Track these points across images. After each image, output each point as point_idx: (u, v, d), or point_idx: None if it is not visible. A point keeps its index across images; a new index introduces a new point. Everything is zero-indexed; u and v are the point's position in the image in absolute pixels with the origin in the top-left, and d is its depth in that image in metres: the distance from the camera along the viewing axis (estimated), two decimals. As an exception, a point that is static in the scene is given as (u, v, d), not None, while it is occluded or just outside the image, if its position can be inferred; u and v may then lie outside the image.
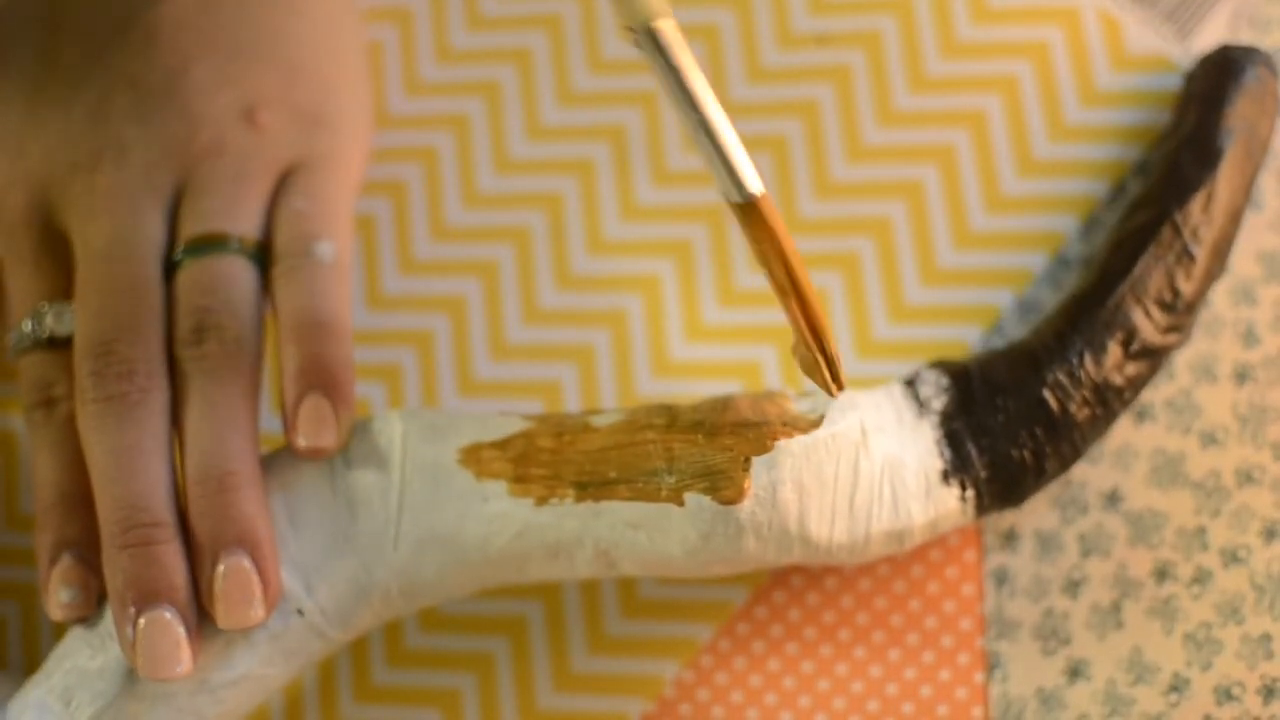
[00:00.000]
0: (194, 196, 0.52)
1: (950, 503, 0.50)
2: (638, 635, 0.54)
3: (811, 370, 0.46)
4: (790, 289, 0.45)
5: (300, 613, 0.49)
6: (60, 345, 0.52)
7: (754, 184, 0.44)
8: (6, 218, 0.54)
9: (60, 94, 0.54)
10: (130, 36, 0.53)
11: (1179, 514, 0.53)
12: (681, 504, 0.48)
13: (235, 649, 0.49)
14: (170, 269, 0.52)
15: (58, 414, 0.51)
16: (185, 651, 0.48)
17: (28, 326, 0.52)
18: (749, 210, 0.44)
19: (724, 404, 0.49)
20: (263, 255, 0.52)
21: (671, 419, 0.49)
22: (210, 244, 0.51)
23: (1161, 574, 0.52)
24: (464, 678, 0.55)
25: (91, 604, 0.50)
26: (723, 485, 0.48)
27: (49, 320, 0.52)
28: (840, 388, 0.46)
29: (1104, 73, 0.57)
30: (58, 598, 0.50)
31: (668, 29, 0.43)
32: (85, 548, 0.50)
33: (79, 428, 0.50)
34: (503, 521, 0.49)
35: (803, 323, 0.45)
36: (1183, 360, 0.54)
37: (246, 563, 0.48)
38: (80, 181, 0.52)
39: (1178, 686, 0.52)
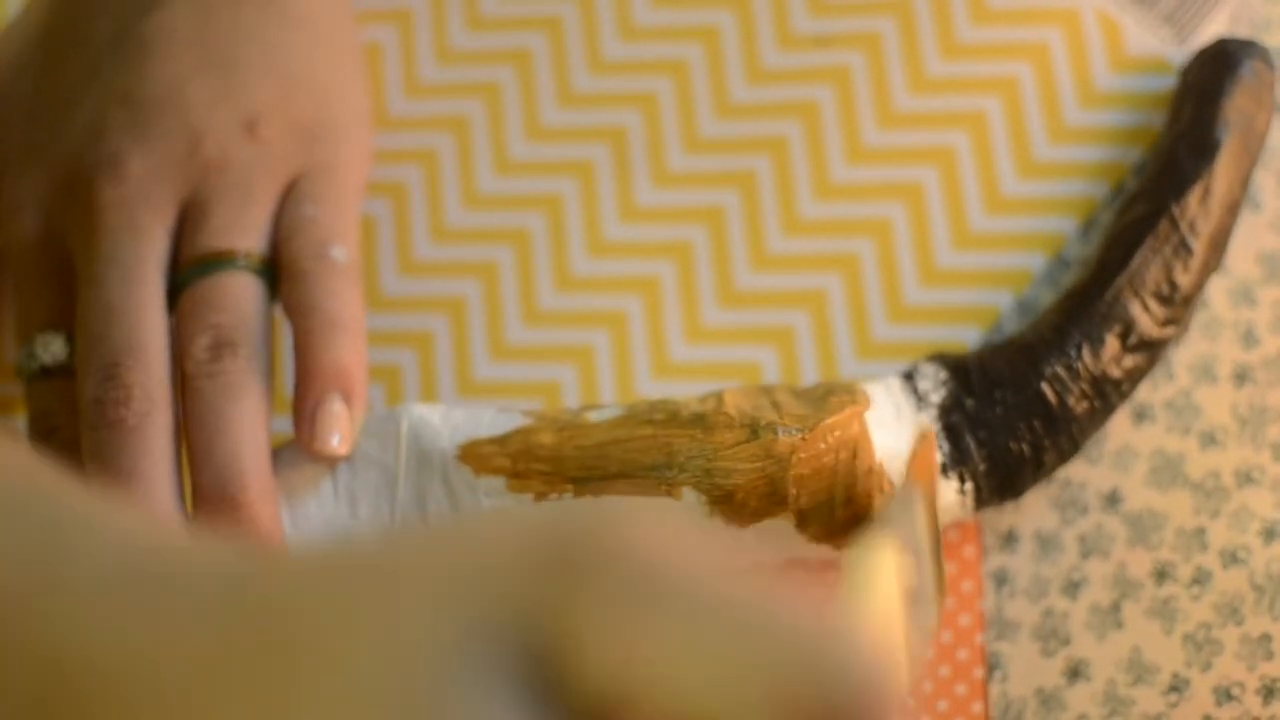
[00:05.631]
0: (198, 212, 0.52)
1: (949, 495, 0.50)
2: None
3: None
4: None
5: (300, 609, 0.49)
6: (56, 375, 0.52)
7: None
8: (13, 243, 0.54)
9: (58, 113, 0.53)
10: (124, 50, 0.53)
11: (1178, 515, 0.53)
12: (680, 499, 0.48)
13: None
14: (175, 284, 0.52)
15: (53, 444, 0.51)
16: None
17: (22, 358, 0.52)
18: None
19: (722, 399, 0.49)
20: (269, 269, 0.52)
21: (670, 414, 0.49)
22: (218, 261, 0.51)
23: (1161, 574, 0.52)
24: (463, 677, 0.55)
25: None
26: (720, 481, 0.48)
27: (39, 351, 0.52)
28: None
29: (1103, 74, 0.57)
30: None
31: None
32: None
33: (84, 456, 0.49)
34: (502, 517, 0.49)
35: None
36: (1182, 361, 0.54)
37: None
38: (78, 200, 0.52)
39: (1177, 687, 0.51)
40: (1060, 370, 0.51)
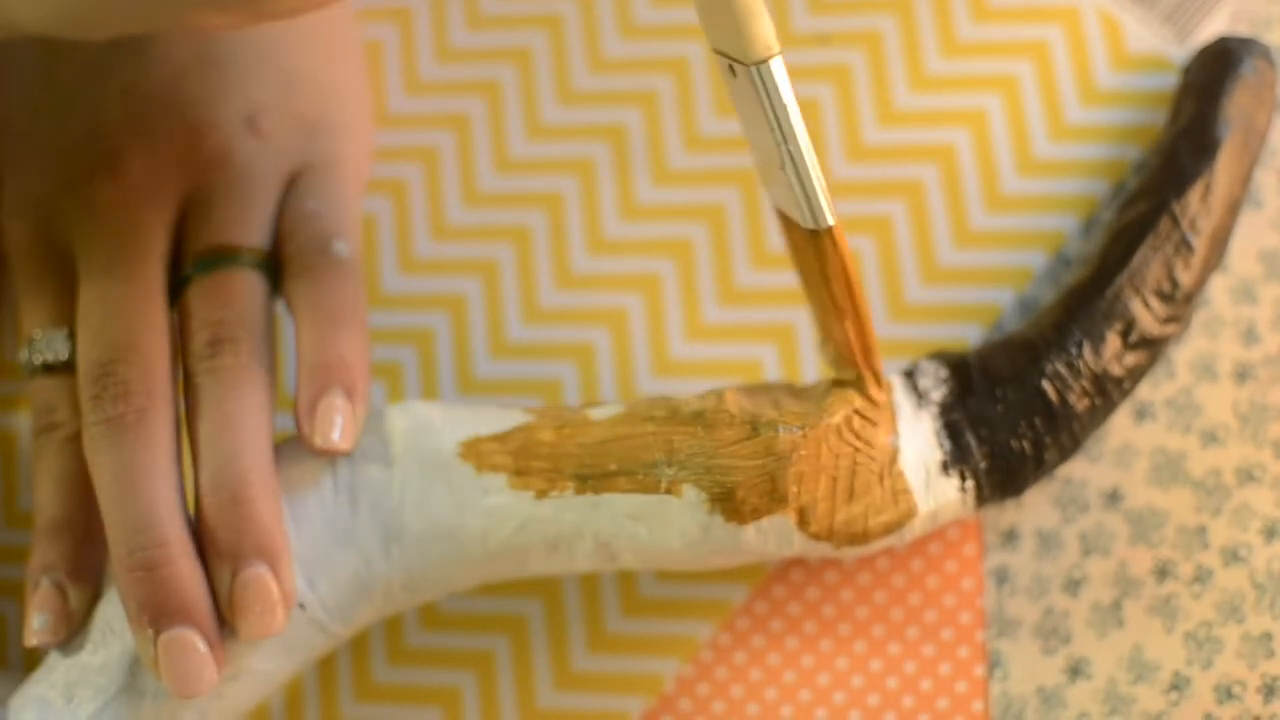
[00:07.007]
0: (201, 208, 0.52)
1: (950, 493, 0.50)
2: (638, 633, 0.54)
3: (851, 376, 0.50)
4: (850, 310, 0.49)
5: (302, 607, 0.49)
6: (59, 370, 0.52)
7: (828, 216, 0.47)
8: (13, 242, 0.54)
9: (57, 111, 0.54)
10: (125, 48, 0.53)
11: (1179, 513, 0.53)
12: (681, 496, 0.48)
13: (237, 645, 0.49)
14: (177, 281, 0.52)
15: (55, 439, 0.51)
16: (210, 667, 0.47)
17: (24, 355, 0.52)
18: (821, 238, 0.47)
19: (722, 397, 0.49)
20: (271, 265, 0.52)
21: (671, 411, 0.49)
22: (220, 257, 0.51)
23: (1162, 573, 0.52)
24: (464, 676, 0.55)
25: (64, 630, 0.50)
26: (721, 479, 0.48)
27: (42, 347, 0.52)
28: (884, 391, 0.50)
29: (1104, 72, 0.57)
30: (30, 623, 0.49)
31: (778, 67, 0.45)
32: (67, 572, 0.50)
33: (85, 452, 0.49)
34: (503, 514, 0.49)
35: (856, 343, 0.49)
36: (1183, 359, 0.54)
37: (266, 573, 0.48)
38: (79, 198, 0.52)
39: (1178, 685, 0.51)
40: (1061, 368, 0.51)
